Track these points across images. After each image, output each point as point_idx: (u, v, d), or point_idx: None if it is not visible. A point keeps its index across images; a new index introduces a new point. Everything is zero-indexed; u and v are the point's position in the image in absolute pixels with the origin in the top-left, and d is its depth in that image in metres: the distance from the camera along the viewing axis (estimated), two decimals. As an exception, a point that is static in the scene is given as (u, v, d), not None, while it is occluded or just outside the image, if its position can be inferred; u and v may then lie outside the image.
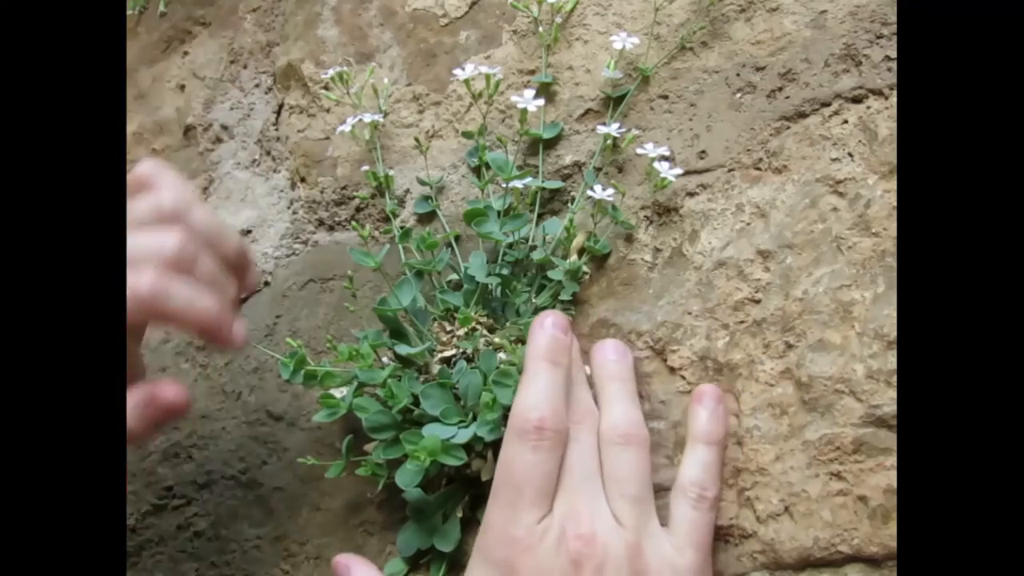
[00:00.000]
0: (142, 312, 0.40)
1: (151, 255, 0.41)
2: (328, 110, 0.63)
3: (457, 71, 0.52)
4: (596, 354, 0.46)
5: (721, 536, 0.42)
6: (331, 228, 0.62)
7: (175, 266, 0.41)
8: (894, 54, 0.44)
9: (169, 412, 0.43)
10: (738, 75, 0.49)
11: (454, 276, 0.53)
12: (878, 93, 0.45)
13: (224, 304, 0.44)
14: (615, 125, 0.50)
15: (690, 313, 0.46)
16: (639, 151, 0.49)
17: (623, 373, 0.45)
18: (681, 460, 0.43)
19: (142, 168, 0.45)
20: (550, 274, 0.50)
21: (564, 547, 0.38)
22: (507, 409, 0.45)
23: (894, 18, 0.45)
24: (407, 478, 0.47)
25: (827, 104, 0.46)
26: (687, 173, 0.49)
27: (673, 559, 0.40)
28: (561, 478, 0.40)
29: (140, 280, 0.40)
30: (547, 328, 0.43)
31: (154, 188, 0.44)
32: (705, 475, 0.42)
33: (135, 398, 0.43)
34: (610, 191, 0.48)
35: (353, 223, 0.59)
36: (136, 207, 0.43)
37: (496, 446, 0.47)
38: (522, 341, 0.49)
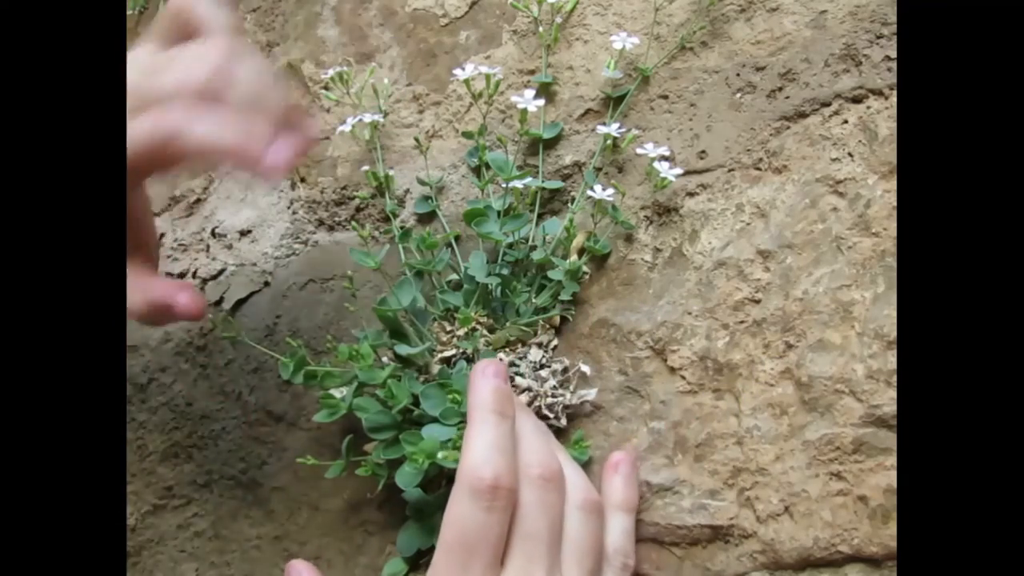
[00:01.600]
0: (156, 150, 0.40)
1: (178, 87, 0.40)
2: (328, 110, 0.63)
3: (457, 71, 0.52)
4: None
5: (721, 536, 0.42)
6: (331, 228, 0.62)
7: (203, 96, 0.40)
8: (894, 54, 0.44)
9: (180, 317, 0.45)
10: (738, 75, 0.49)
11: (454, 276, 0.53)
12: (878, 93, 0.45)
13: (259, 128, 0.41)
14: (615, 125, 0.50)
15: (690, 313, 0.46)
16: (639, 151, 0.49)
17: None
18: (605, 527, 0.43)
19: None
20: (550, 274, 0.50)
21: None
22: None
23: (894, 18, 0.45)
24: (407, 479, 0.47)
25: (827, 104, 0.46)
26: (687, 173, 0.49)
27: None
28: (517, 537, 0.39)
29: (163, 118, 0.40)
30: (489, 377, 0.41)
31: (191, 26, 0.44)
32: (626, 542, 0.43)
33: (153, 289, 0.43)
34: (610, 191, 0.48)
35: (353, 223, 0.59)
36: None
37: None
38: (522, 342, 0.49)
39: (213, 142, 0.40)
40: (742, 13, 0.50)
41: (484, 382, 0.41)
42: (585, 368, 0.48)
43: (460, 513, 0.39)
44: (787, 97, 0.47)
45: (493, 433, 0.40)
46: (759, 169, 0.47)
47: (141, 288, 0.44)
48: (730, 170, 0.48)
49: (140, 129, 0.41)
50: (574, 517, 0.41)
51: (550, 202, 0.53)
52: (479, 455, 0.39)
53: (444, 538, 0.39)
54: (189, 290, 0.44)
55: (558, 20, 0.55)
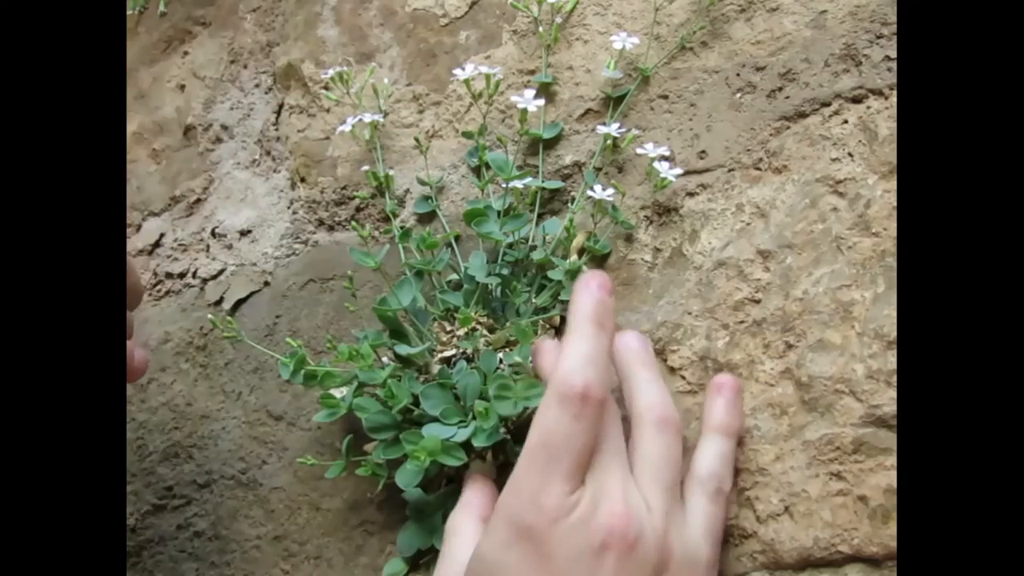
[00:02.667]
0: None
1: None
2: (328, 110, 0.63)
3: (457, 71, 0.52)
4: (619, 343, 0.44)
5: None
6: (331, 228, 0.62)
7: None
8: (894, 54, 0.44)
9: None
10: (738, 75, 0.49)
11: (454, 276, 0.53)
12: (878, 93, 0.45)
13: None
14: (615, 125, 0.50)
15: (690, 313, 0.46)
16: (639, 151, 0.49)
17: (648, 360, 0.44)
18: (696, 450, 0.42)
19: None
20: (550, 274, 0.50)
21: (594, 524, 0.37)
22: (503, 419, 0.45)
23: (894, 18, 0.45)
24: (407, 478, 0.47)
25: (827, 104, 0.46)
26: (687, 173, 0.49)
27: (693, 551, 0.39)
28: (593, 456, 0.39)
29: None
30: (593, 290, 0.40)
31: None
32: (723, 468, 0.41)
33: None
34: (610, 191, 0.48)
35: (353, 223, 0.59)
36: None
37: (495, 448, 0.47)
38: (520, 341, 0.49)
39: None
40: (742, 13, 0.50)
41: (587, 294, 0.40)
42: None
43: (548, 418, 0.38)
44: (787, 97, 0.47)
45: (590, 344, 0.39)
46: (759, 169, 0.47)
47: None
48: (730, 170, 0.48)
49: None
50: (647, 432, 0.40)
51: (550, 202, 0.53)
52: (573, 364, 0.38)
53: (529, 441, 0.38)
54: (143, 351, 0.49)
55: (558, 20, 0.55)
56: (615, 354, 0.44)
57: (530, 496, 0.37)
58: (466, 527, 0.44)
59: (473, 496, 0.46)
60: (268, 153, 0.67)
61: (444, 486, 0.49)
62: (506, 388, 0.45)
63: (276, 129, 0.67)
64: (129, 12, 0.79)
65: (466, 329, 0.50)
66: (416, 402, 0.48)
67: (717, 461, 0.41)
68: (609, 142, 0.50)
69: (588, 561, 0.36)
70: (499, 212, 0.51)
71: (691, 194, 0.49)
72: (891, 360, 0.39)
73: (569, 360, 0.39)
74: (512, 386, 0.44)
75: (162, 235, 0.69)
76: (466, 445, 0.46)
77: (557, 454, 0.38)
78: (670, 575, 0.38)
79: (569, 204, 0.52)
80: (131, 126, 0.74)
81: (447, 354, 0.50)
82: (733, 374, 0.44)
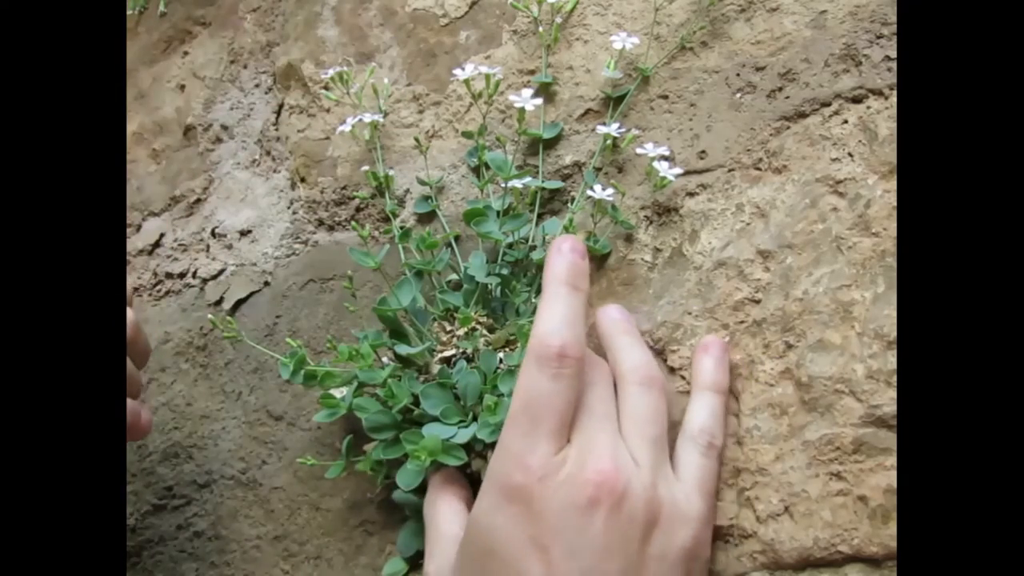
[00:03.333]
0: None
1: None
2: (328, 110, 0.63)
3: (457, 71, 0.52)
4: (601, 315, 0.45)
5: (721, 536, 0.42)
6: (331, 228, 0.62)
7: None
8: (894, 54, 0.44)
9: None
10: (738, 75, 0.49)
11: (454, 276, 0.53)
12: (878, 93, 0.45)
13: (134, 402, 0.48)
14: (615, 125, 0.50)
15: (690, 313, 0.46)
16: (639, 151, 0.49)
17: (630, 329, 0.45)
18: (687, 408, 0.43)
19: None
20: (550, 274, 0.50)
21: (581, 480, 0.37)
22: None
23: (894, 18, 0.45)
24: (408, 478, 0.47)
25: (827, 104, 0.46)
26: (687, 173, 0.49)
27: (683, 505, 0.39)
28: (578, 415, 0.39)
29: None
30: (565, 252, 0.41)
31: None
32: (714, 422, 0.42)
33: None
34: (610, 191, 0.48)
35: (353, 223, 0.59)
36: None
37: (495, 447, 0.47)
38: (520, 341, 0.49)
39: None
40: (742, 13, 0.50)
41: (559, 257, 0.41)
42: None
43: (527, 381, 0.39)
44: (787, 97, 0.47)
45: (563, 305, 0.40)
46: (759, 169, 0.47)
47: None
48: (730, 170, 0.48)
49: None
50: (631, 391, 0.41)
51: (550, 202, 0.53)
52: (548, 325, 0.39)
53: (512, 407, 0.39)
54: (147, 411, 0.49)
55: (558, 20, 0.55)
56: (598, 326, 0.45)
57: (517, 458, 0.38)
58: (442, 506, 0.45)
59: (443, 480, 0.46)
60: (268, 153, 0.67)
61: (444, 486, 0.49)
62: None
63: (276, 129, 0.67)
64: (129, 12, 0.79)
65: (466, 329, 0.50)
66: (416, 402, 0.48)
67: (708, 416, 0.42)
68: (609, 142, 0.50)
69: (578, 516, 0.37)
70: (499, 212, 0.51)
71: (691, 194, 0.49)
72: (891, 360, 0.39)
73: (544, 322, 0.40)
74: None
75: (162, 235, 0.69)
76: (466, 445, 0.46)
77: (539, 415, 0.38)
78: (660, 528, 0.38)
79: (569, 204, 0.52)
80: (131, 126, 0.74)
81: (447, 354, 0.50)
82: (732, 369, 0.44)
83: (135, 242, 0.70)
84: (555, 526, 0.37)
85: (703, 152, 0.49)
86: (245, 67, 0.71)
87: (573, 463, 0.38)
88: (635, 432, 0.40)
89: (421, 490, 0.48)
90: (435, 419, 0.46)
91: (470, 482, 0.48)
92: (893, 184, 0.42)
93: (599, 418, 0.40)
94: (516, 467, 0.38)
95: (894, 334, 0.39)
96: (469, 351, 0.49)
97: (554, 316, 0.40)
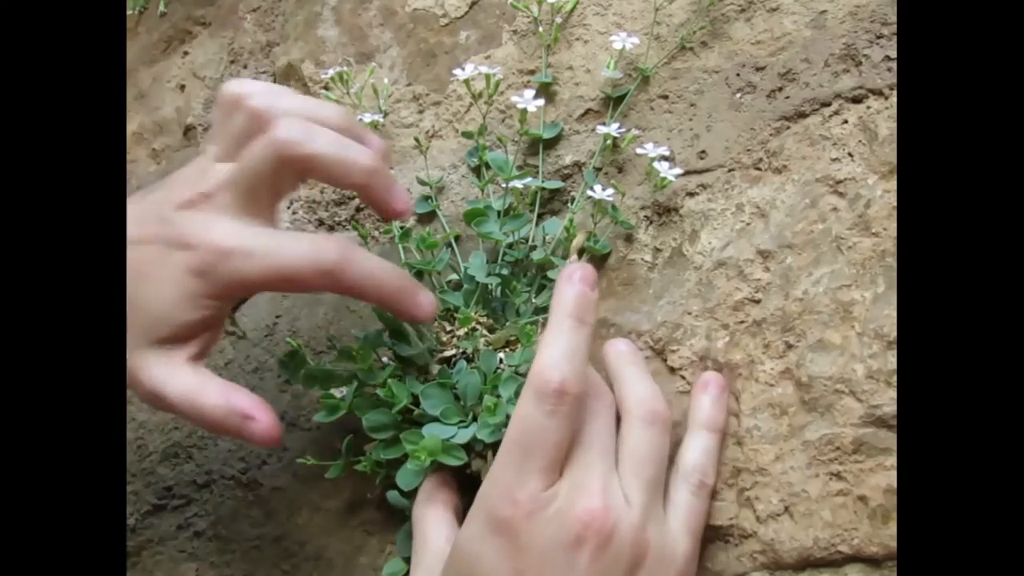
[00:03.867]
0: (310, 278, 0.42)
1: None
2: (328, 110, 0.63)
3: (457, 71, 0.52)
4: (608, 348, 0.45)
5: (721, 536, 0.42)
6: (331, 228, 0.62)
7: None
8: (894, 54, 0.44)
9: (250, 438, 0.43)
10: (738, 75, 0.49)
11: (454, 276, 0.53)
12: (878, 93, 0.45)
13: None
14: (615, 125, 0.50)
15: (690, 313, 0.46)
16: (639, 151, 0.49)
17: (638, 360, 0.45)
18: (682, 445, 0.42)
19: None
20: (550, 274, 0.50)
21: (569, 519, 0.37)
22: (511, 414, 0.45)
23: (894, 18, 0.45)
24: (408, 479, 0.47)
25: (827, 104, 0.46)
26: (687, 173, 0.49)
27: (671, 545, 0.39)
28: (574, 449, 0.39)
29: (325, 248, 0.42)
30: (575, 283, 0.40)
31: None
32: (707, 461, 0.42)
33: (236, 396, 0.43)
34: (610, 191, 0.48)
35: (353, 223, 0.59)
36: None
37: (497, 446, 0.47)
38: (520, 341, 0.49)
39: (373, 283, 0.44)
40: (742, 13, 0.50)
41: (568, 287, 0.40)
42: None
43: (524, 414, 0.38)
44: (787, 97, 0.47)
45: (568, 339, 0.39)
46: (759, 169, 0.47)
47: (221, 389, 0.43)
48: (730, 170, 0.48)
49: (298, 251, 0.42)
50: (635, 426, 0.41)
51: (550, 202, 0.53)
52: (550, 359, 0.39)
53: (507, 437, 0.39)
54: (270, 413, 0.43)
55: (558, 20, 0.55)
56: (604, 358, 0.45)
57: (506, 490, 0.38)
58: (431, 515, 0.45)
59: (433, 487, 0.46)
60: (268, 153, 0.67)
61: (444, 486, 0.49)
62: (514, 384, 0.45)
63: (276, 129, 0.67)
64: (129, 12, 0.79)
65: (466, 329, 0.50)
66: (416, 402, 0.48)
67: (701, 455, 0.42)
68: (609, 142, 0.50)
69: (563, 554, 0.37)
70: (499, 212, 0.51)
71: (691, 194, 0.49)
72: (891, 360, 0.39)
73: (546, 355, 0.39)
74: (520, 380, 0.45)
75: (162, 235, 0.69)
76: (466, 446, 0.46)
77: (532, 449, 0.38)
78: (645, 570, 0.38)
79: (569, 204, 0.52)
80: (131, 126, 0.74)
81: (447, 354, 0.50)
82: (728, 371, 0.44)
83: (135, 242, 0.70)
84: (540, 562, 0.37)
85: (703, 152, 0.49)
86: (245, 67, 0.71)
87: (563, 499, 0.38)
88: (631, 471, 0.40)
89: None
90: (435, 419, 0.46)
91: (469, 482, 0.48)
92: (893, 184, 0.42)
93: (595, 453, 0.39)
94: (505, 500, 0.38)
95: (894, 334, 0.39)
96: (469, 351, 0.49)
97: (557, 349, 0.39)
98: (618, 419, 0.42)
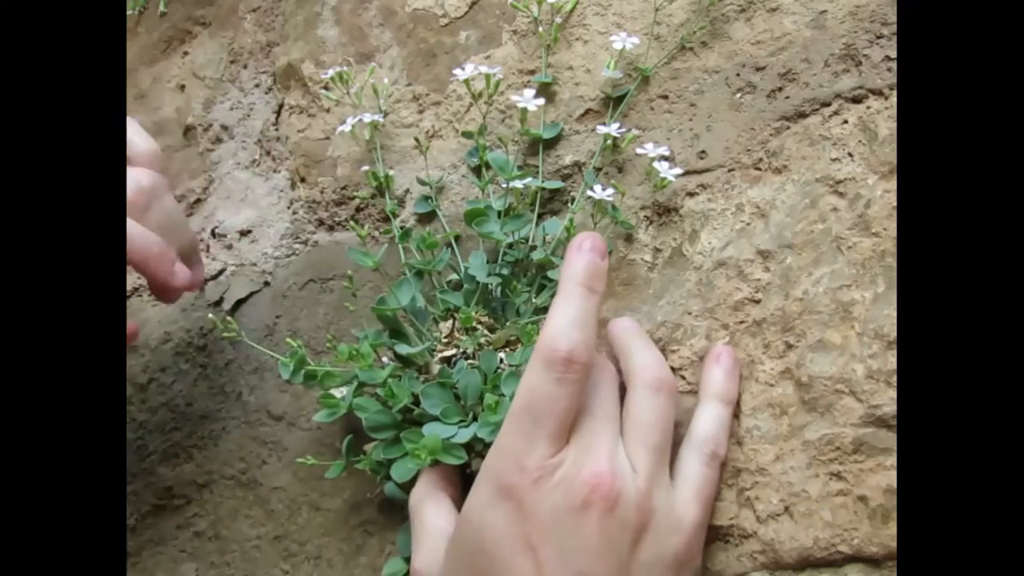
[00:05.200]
0: None
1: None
2: (328, 110, 0.63)
3: (457, 71, 0.52)
4: (613, 324, 0.46)
5: (721, 536, 0.42)
6: (331, 228, 0.62)
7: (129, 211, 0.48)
8: (894, 54, 0.44)
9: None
10: (738, 75, 0.49)
11: (454, 276, 0.53)
12: (878, 93, 0.45)
13: (170, 251, 0.50)
14: (615, 125, 0.50)
15: (690, 313, 0.46)
16: (639, 151, 0.49)
17: (641, 333, 0.45)
18: (694, 416, 0.42)
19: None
20: (550, 274, 0.50)
21: (575, 484, 0.37)
22: None
23: (894, 18, 0.45)
24: (403, 471, 0.47)
25: (827, 104, 0.46)
26: (687, 173, 0.49)
27: (679, 512, 0.39)
28: (580, 417, 0.39)
29: None
30: (585, 251, 0.41)
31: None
32: (719, 432, 0.42)
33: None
34: (610, 191, 0.48)
35: (352, 223, 0.59)
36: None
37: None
38: (520, 341, 0.49)
39: (138, 246, 0.48)
40: (742, 13, 0.50)
41: (579, 256, 0.41)
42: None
43: (532, 382, 0.39)
44: (787, 97, 0.47)
45: (577, 307, 0.39)
46: (759, 169, 0.47)
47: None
48: (730, 170, 0.48)
49: None
50: (640, 393, 0.41)
51: (550, 202, 0.53)
52: (558, 327, 0.39)
53: (513, 405, 0.39)
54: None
55: (558, 20, 0.55)
56: (609, 334, 0.45)
57: (513, 457, 0.38)
58: (429, 502, 0.45)
59: (430, 479, 0.46)
60: (268, 153, 0.67)
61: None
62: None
63: (276, 129, 0.67)
64: (129, 12, 0.79)
65: (466, 329, 0.50)
66: (416, 402, 0.48)
67: (714, 425, 0.42)
68: (609, 142, 0.50)
69: (570, 519, 0.37)
70: (499, 212, 0.51)
71: (691, 194, 0.49)
72: (891, 360, 0.39)
73: (554, 323, 0.39)
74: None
75: (162, 235, 0.69)
76: (466, 445, 0.46)
77: (540, 417, 0.38)
78: (651, 534, 0.38)
79: (569, 204, 0.52)
80: (131, 126, 0.74)
81: (447, 354, 0.50)
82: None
83: (135, 242, 0.70)
84: (547, 527, 0.37)
85: (703, 152, 0.49)
86: (245, 67, 0.71)
87: (569, 465, 0.38)
88: (637, 438, 0.40)
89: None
90: (435, 419, 0.46)
91: (469, 482, 0.48)
92: (893, 184, 0.42)
93: (600, 421, 0.40)
94: (512, 466, 0.38)
95: (894, 334, 0.39)
96: (469, 351, 0.49)
97: (565, 317, 0.39)
98: (624, 391, 0.42)
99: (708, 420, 0.42)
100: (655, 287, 0.48)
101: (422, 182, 0.57)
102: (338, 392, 0.50)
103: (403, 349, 0.49)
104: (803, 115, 0.47)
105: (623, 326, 0.45)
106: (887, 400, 0.39)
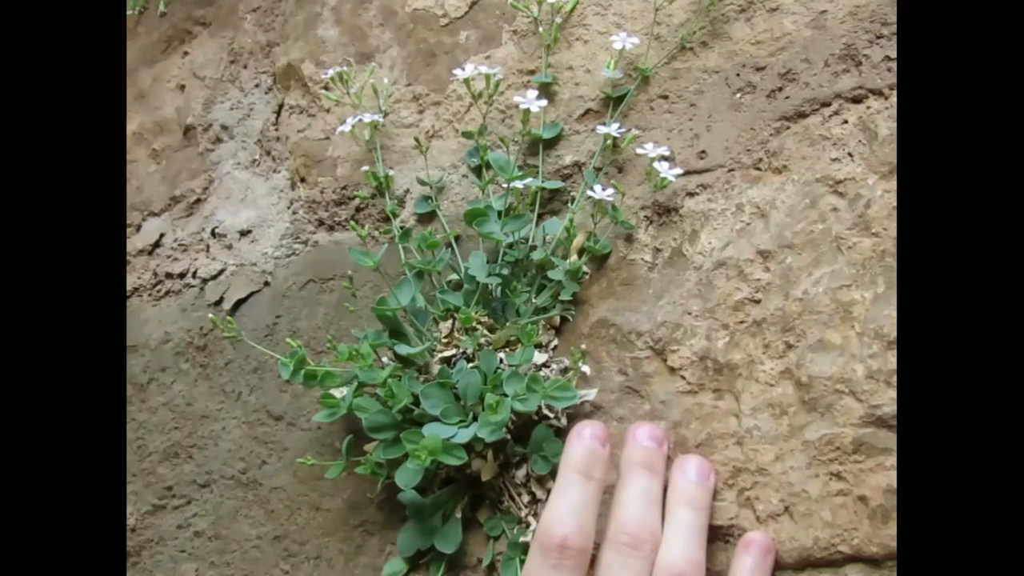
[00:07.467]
0: None
1: None
2: (328, 110, 0.63)
3: (457, 71, 0.52)
4: (676, 468, 0.43)
5: (721, 536, 0.42)
6: (331, 228, 0.62)
7: None
8: (894, 54, 0.44)
9: None
10: (738, 75, 0.49)
11: (454, 276, 0.53)
12: (878, 93, 0.45)
13: None
14: (615, 125, 0.50)
15: (690, 313, 0.46)
16: (639, 151, 0.49)
17: (699, 500, 0.42)
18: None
19: None
20: (550, 274, 0.50)
21: None
22: (514, 412, 0.45)
23: (894, 18, 0.45)
24: (407, 478, 0.47)
25: (827, 104, 0.46)
26: (687, 173, 0.49)
27: None
28: None
29: None
30: (585, 439, 0.42)
31: None
32: None
33: None
34: (610, 191, 0.48)
35: (352, 223, 0.59)
36: None
37: (497, 446, 0.47)
38: (520, 342, 0.49)
39: None
40: (742, 13, 0.50)
41: (579, 443, 0.42)
42: (585, 368, 0.48)
43: (530, 568, 0.40)
44: (787, 97, 0.47)
45: (573, 494, 0.41)
46: (759, 169, 0.47)
47: None
48: (730, 170, 0.48)
49: None
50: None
51: (550, 202, 0.53)
52: (555, 514, 0.40)
53: None
54: None
55: (558, 20, 0.55)
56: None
57: None
58: None
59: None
60: (268, 153, 0.67)
61: (440, 487, 0.49)
62: (535, 382, 0.45)
63: (276, 129, 0.67)
64: (129, 12, 0.79)
65: (466, 329, 0.50)
66: (416, 402, 0.48)
67: None
68: (609, 142, 0.50)
69: None
70: (499, 212, 0.51)
71: (691, 194, 0.49)
72: (891, 360, 0.39)
73: (551, 510, 0.41)
74: (540, 382, 0.45)
75: (162, 235, 0.69)
76: (466, 445, 0.46)
77: None
78: None
79: (569, 204, 0.52)
80: (131, 126, 0.74)
81: (447, 354, 0.50)
82: (728, 371, 0.44)
83: (135, 242, 0.70)
84: None
85: (703, 152, 0.49)
86: (245, 67, 0.71)
87: None
88: None
89: (423, 489, 0.48)
90: (435, 419, 0.46)
91: (468, 482, 0.48)
92: (893, 184, 0.42)
93: None
94: None
95: (894, 334, 0.39)
96: (469, 351, 0.49)
97: (562, 504, 0.40)
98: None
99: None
100: (655, 287, 0.48)
101: (422, 182, 0.57)
102: (338, 392, 0.50)
103: (403, 349, 0.49)
104: (803, 115, 0.47)
105: (687, 476, 0.42)
106: (887, 400, 0.39)
